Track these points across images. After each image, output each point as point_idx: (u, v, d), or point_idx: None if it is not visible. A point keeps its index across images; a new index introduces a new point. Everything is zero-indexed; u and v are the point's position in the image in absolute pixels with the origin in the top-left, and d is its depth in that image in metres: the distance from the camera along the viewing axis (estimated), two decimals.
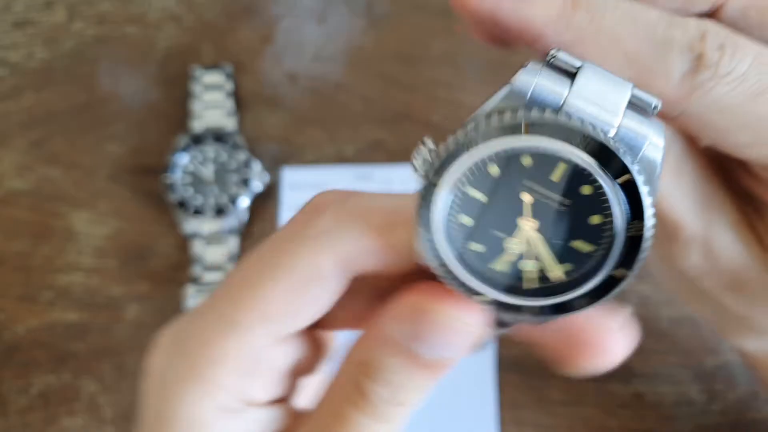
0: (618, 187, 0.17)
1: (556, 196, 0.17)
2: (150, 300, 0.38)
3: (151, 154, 0.41)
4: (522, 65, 0.18)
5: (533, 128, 0.17)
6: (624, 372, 0.37)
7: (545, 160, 0.17)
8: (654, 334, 0.38)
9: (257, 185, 0.38)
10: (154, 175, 0.40)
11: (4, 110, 0.42)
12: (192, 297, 0.36)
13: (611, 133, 0.17)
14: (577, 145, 0.17)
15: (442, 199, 0.17)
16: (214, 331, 0.19)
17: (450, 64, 0.42)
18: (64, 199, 0.40)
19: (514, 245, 0.18)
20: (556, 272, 0.18)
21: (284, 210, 0.39)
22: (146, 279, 0.39)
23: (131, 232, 0.39)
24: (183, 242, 0.39)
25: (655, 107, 0.18)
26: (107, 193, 0.40)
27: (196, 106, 0.40)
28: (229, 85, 0.40)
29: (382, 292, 0.20)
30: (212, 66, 0.41)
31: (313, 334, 0.22)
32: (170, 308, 0.38)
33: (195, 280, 0.37)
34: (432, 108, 0.42)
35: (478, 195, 0.18)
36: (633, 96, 0.18)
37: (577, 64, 0.18)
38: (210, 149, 0.39)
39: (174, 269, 0.39)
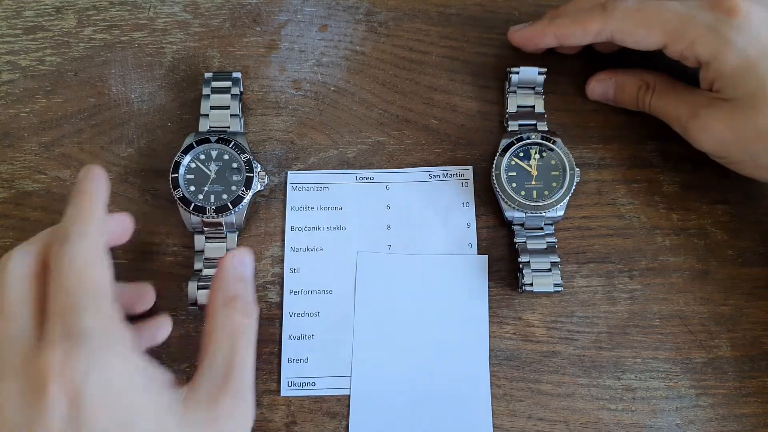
0: None
1: None
2: (158, 297, 0.38)
3: (158, 156, 0.41)
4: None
5: None
6: (615, 367, 0.38)
7: None
8: (645, 329, 0.39)
9: (257, 185, 0.39)
10: (162, 176, 0.40)
11: (15, 113, 0.42)
12: (192, 291, 0.37)
13: None
14: None
15: None
16: None
17: (446, 70, 0.43)
18: None
19: None
20: None
21: (289, 209, 0.40)
22: (154, 276, 0.39)
23: (140, 231, 0.39)
24: (190, 241, 0.39)
25: None
26: (117, 193, 0.40)
27: (203, 109, 0.40)
28: (235, 89, 0.40)
29: None
30: (219, 71, 0.42)
31: None
32: (177, 304, 0.39)
33: (196, 274, 0.38)
34: (429, 112, 0.42)
35: None
36: None
37: None
38: (214, 149, 0.39)
39: (181, 266, 0.39)
